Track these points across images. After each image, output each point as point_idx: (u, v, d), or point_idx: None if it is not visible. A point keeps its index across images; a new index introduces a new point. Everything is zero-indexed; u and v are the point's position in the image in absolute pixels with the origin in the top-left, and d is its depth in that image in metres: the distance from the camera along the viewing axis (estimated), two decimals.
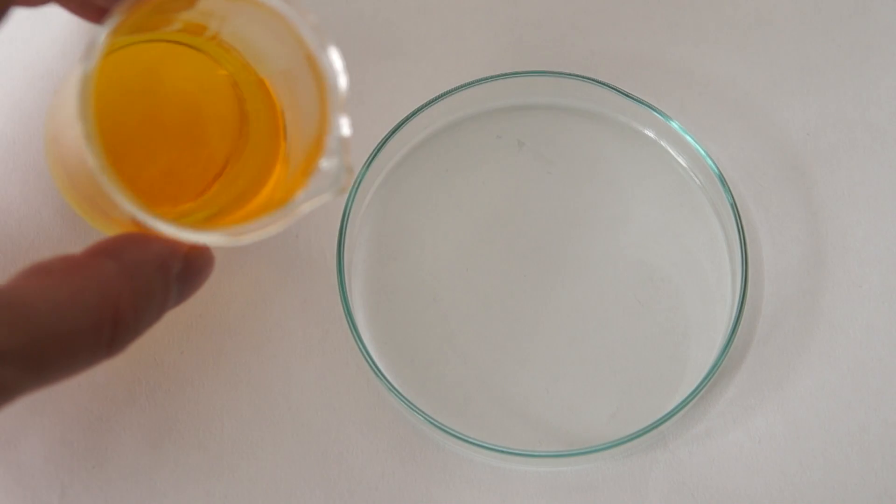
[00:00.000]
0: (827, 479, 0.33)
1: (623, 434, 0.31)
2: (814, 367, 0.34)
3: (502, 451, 0.31)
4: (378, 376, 0.32)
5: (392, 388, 0.32)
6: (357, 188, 0.34)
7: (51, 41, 0.37)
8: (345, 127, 0.27)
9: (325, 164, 0.27)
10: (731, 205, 0.34)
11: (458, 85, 0.36)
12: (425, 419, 0.31)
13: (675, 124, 0.36)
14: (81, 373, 0.23)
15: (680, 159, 0.37)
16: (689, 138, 0.35)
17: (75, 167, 0.26)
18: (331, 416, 0.33)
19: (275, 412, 0.33)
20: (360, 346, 0.32)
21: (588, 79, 0.36)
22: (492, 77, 0.36)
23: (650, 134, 0.37)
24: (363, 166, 0.35)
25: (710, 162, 0.35)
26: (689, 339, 0.34)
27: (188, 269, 0.26)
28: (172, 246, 0.25)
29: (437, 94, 0.35)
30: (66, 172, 0.29)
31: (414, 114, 0.35)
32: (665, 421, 0.32)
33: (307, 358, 0.34)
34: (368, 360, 0.32)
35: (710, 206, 0.36)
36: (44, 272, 0.23)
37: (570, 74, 0.36)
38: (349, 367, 0.34)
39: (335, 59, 0.27)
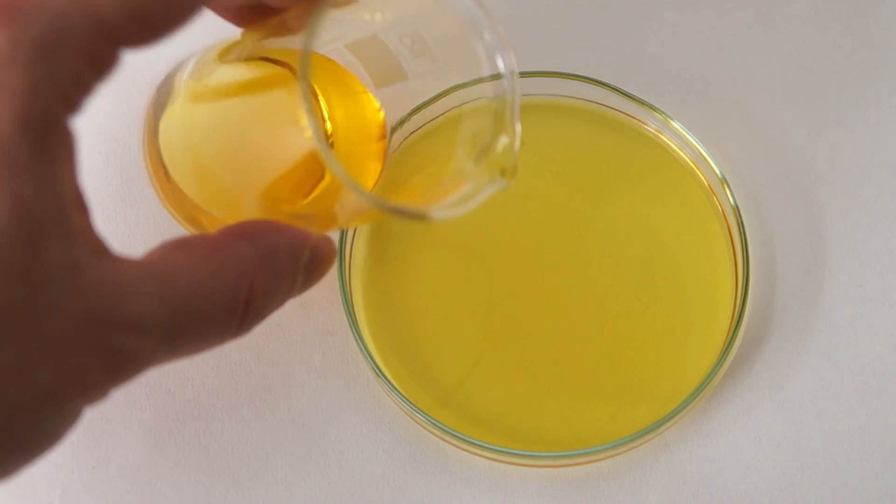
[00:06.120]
0: (827, 479, 0.33)
1: (623, 434, 0.31)
2: (814, 367, 0.34)
3: (502, 451, 0.31)
4: (378, 376, 0.32)
5: (392, 388, 0.32)
6: None
7: None
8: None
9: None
10: (732, 204, 0.34)
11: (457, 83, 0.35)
12: (425, 419, 0.31)
13: (675, 124, 0.36)
14: (208, 350, 0.24)
15: (680, 159, 0.37)
16: (690, 138, 0.35)
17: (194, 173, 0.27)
18: (331, 416, 0.33)
19: (275, 412, 0.33)
20: (361, 346, 0.32)
21: (588, 79, 0.36)
22: (492, 77, 0.36)
23: (651, 134, 0.37)
24: None
25: (710, 161, 0.35)
26: (690, 339, 0.34)
27: (314, 258, 0.26)
28: (303, 236, 0.26)
29: (436, 93, 0.35)
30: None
31: (414, 113, 0.35)
32: (665, 421, 0.32)
33: (307, 358, 0.34)
34: (368, 360, 0.32)
35: (710, 205, 0.36)
36: (184, 248, 0.23)
37: (570, 74, 0.36)
38: (349, 367, 0.34)
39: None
